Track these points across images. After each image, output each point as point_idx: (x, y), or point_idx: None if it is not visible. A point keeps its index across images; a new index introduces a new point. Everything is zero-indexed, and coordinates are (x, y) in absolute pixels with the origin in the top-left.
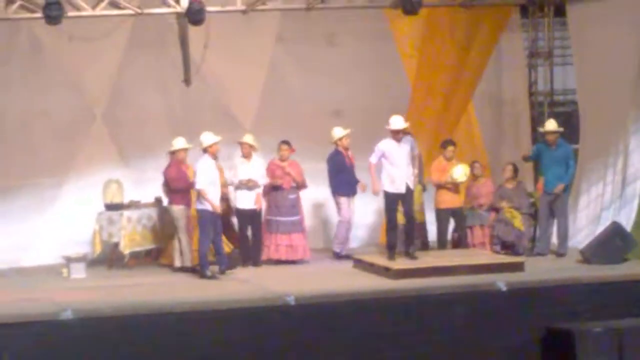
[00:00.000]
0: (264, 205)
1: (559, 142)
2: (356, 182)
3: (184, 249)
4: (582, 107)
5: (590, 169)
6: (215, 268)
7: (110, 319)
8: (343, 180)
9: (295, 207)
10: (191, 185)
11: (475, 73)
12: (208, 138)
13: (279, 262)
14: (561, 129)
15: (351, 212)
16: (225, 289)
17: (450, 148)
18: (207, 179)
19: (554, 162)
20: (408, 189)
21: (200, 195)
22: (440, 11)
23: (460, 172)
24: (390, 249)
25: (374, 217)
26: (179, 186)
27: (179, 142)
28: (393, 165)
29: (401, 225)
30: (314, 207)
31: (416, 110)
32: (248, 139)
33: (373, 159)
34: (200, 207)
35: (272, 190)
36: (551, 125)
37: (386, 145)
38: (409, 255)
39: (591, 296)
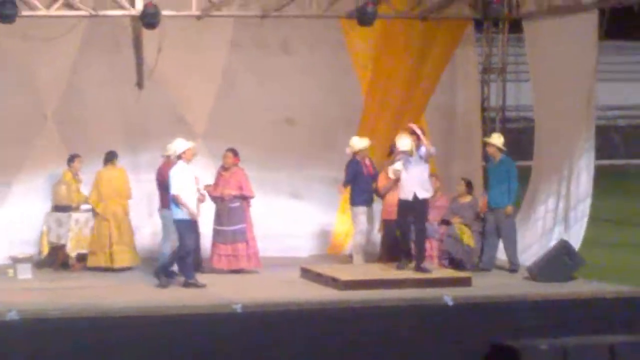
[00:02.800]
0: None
1: (502, 159)
2: (373, 191)
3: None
4: (537, 123)
5: (542, 185)
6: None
7: (56, 321)
8: (359, 190)
9: (237, 217)
10: None
11: (428, 86)
12: (181, 145)
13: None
14: (500, 145)
15: (367, 222)
16: (173, 294)
17: None
18: (182, 185)
19: (496, 179)
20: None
21: (177, 202)
22: (395, 23)
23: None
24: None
25: (319, 226)
26: None
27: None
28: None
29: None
30: (261, 215)
31: (369, 121)
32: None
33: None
34: (178, 217)
35: (213, 198)
36: (496, 138)
37: None
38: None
39: (537, 313)
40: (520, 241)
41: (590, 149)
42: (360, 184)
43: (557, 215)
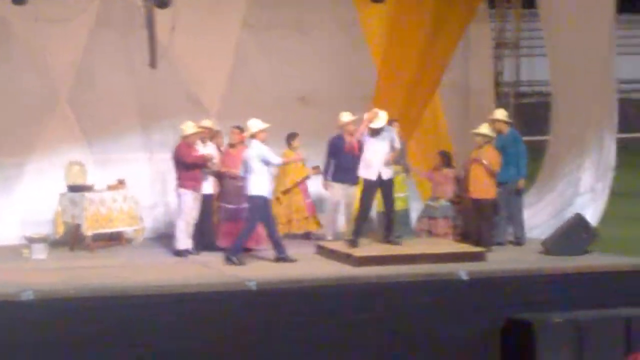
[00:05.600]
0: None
1: (510, 132)
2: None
3: (177, 233)
4: (555, 97)
5: (561, 159)
6: None
7: (71, 301)
8: (336, 166)
9: (243, 195)
10: (199, 160)
11: (442, 62)
12: (255, 124)
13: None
14: (506, 118)
15: (341, 197)
16: (187, 272)
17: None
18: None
19: (505, 153)
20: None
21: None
22: None
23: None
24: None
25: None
26: (187, 161)
27: (190, 127)
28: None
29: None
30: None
31: (382, 98)
32: (206, 123)
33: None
34: (254, 193)
35: (220, 176)
36: (499, 113)
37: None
38: (391, 242)
39: (552, 287)
40: (537, 216)
41: (612, 122)
42: (340, 160)
43: (578, 189)
